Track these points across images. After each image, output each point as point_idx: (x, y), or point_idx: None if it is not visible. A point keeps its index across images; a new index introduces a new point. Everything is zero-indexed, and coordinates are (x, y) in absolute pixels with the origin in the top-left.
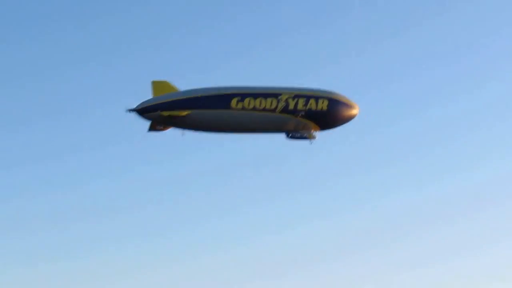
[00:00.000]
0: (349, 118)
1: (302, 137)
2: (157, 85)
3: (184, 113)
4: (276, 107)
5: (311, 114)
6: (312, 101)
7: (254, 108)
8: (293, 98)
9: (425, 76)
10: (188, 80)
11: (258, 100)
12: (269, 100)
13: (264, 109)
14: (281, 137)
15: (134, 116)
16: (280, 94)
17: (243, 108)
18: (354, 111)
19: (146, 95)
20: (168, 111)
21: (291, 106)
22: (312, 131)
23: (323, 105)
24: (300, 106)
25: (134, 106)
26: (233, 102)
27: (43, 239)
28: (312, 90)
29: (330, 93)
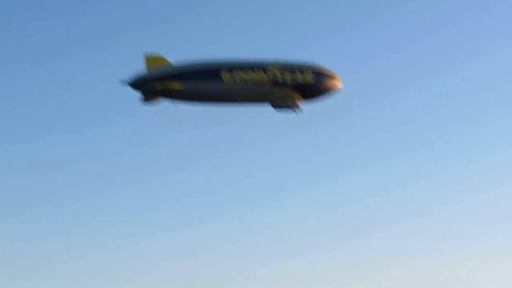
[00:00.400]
0: (333, 90)
1: (288, 109)
2: (150, 59)
3: (177, 85)
4: (264, 79)
5: (297, 86)
6: (298, 73)
7: (243, 81)
8: (280, 70)
9: (410, 53)
10: (180, 53)
11: (247, 73)
12: (257, 72)
13: (253, 81)
14: (268, 109)
15: (127, 88)
16: (268, 67)
17: (233, 81)
18: (338, 84)
19: (139, 68)
20: (162, 83)
21: (279, 79)
22: (297, 102)
23: (308, 77)
24: (287, 78)
25: (129, 78)
26: (224, 74)
27: (40, 214)
28: (298, 63)
29: (315, 65)
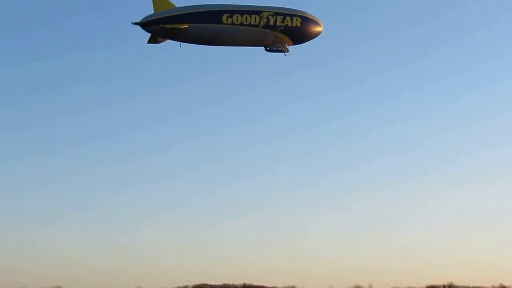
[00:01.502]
0: (317, 34)
1: (278, 50)
2: (157, 1)
3: (183, 26)
4: (259, 22)
5: (287, 29)
6: (288, 18)
7: (241, 23)
8: (273, 15)
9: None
10: None
11: (244, 17)
12: (253, 16)
13: (249, 24)
14: (261, 50)
15: (137, 29)
16: (262, 12)
17: (232, 23)
18: (321, 29)
19: (147, 10)
20: (169, 24)
21: (271, 22)
22: (286, 45)
23: (297, 22)
24: (278, 22)
25: (138, 19)
26: (224, 17)
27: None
28: (288, 9)
29: (303, 12)
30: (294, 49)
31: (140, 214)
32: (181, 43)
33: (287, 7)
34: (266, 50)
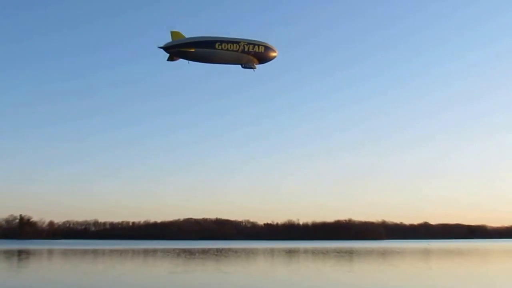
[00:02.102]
0: (274, 58)
1: (249, 67)
2: (174, 33)
3: (191, 50)
4: (238, 49)
5: (255, 54)
6: (256, 46)
7: (227, 49)
8: (247, 44)
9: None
10: (191, 31)
11: (229, 45)
12: (235, 44)
13: (232, 50)
14: (238, 67)
15: (160, 51)
16: (240, 42)
17: (221, 49)
18: (276, 54)
19: (167, 39)
20: (182, 48)
21: (246, 49)
22: (254, 64)
23: (261, 49)
24: (250, 49)
25: (162, 44)
26: (216, 45)
27: None
28: (256, 40)
29: (265, 43)
30: (259, 67)
31: None
32: (189, 61)
33: (256, 39)
34: (242, 67)
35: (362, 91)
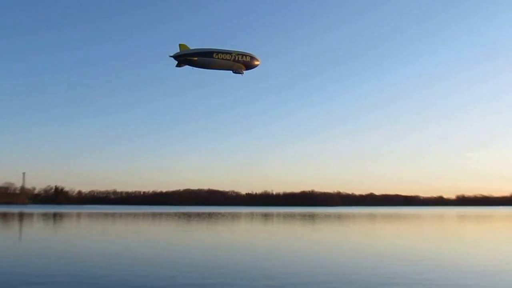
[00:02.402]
0: (257, 65)
1: (238, 73)
2: (181, 45)
3: (194, 58)
4: (231, 58)
5: (243, 62)
6: (244, 56)
7: (222, 58)
8: (237, 55)
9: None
10: (195, 43)
11: (224, 55)
12: (228, 55)
13: (226, 59)
14: (230, 72)
15: (171, 59)
16: (232, 53)
17: (218, 58)
18: (259, 62)
19: (175, 49)
20: (187, 57)
21: (236, 58)
22: (242, 70)
23: (248, 58)
24: (239, 58)
25: (172, 54)
26: (214, 55)
27: None
28: (244, 52)
29: (251, 53)
30: (246, 73)
31: None
32: (193, 67)
33: (244, 51)
34: (233, 72)
35: (325, 94)
